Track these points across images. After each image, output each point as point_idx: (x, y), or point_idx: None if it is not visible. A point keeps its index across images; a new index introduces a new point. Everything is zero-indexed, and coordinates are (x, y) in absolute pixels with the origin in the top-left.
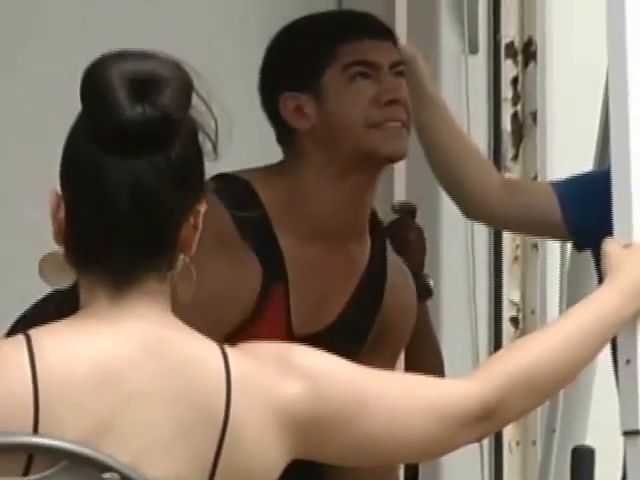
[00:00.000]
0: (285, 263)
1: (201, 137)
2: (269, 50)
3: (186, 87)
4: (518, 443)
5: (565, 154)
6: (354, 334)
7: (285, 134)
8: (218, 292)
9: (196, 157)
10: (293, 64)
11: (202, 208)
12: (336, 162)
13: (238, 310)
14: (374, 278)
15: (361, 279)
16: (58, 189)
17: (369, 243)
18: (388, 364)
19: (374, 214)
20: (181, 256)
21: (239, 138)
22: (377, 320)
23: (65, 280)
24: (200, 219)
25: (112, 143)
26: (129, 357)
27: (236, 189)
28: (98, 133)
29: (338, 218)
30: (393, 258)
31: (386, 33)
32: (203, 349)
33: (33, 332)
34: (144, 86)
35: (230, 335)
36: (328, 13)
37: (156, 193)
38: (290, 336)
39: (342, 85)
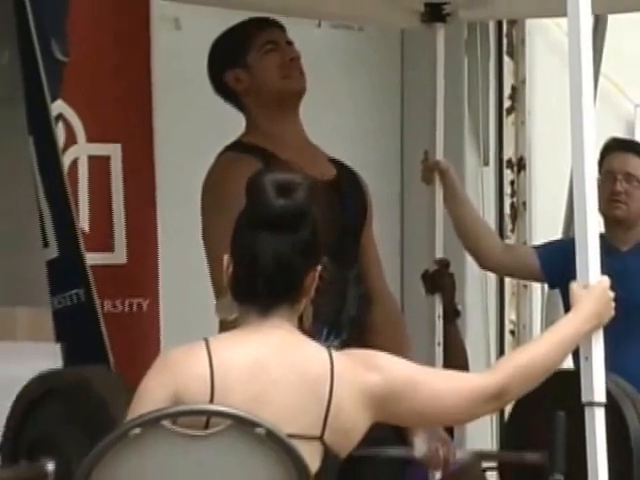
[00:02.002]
0: (272, 154)
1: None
2: (212, 49)
3: (310, 193)
4: None
5: (543, 228)
6: (359, 194)
7: (236, 101)
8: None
9: (315, 239)
10: (230, 53)
11: (319, 268)
12: (266, 103)
13: None
14: (345, 168)
15: (337, 167)
16: (227, 256)
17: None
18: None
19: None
20: (304, 299)
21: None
22: (367, 199)
23: (230, 314)
24: (317, 275)
25: (263, 224)
26: (270, 355)
27: (236, 144)
28: (255, 218)
29: (286, 132)
30: None
31: (280, 26)
32: (316, 351)
33: (210, 339)
34: (285, 188)
35: None
36: (246, 20)
37: (290, 257)
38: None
39: (260, 58)
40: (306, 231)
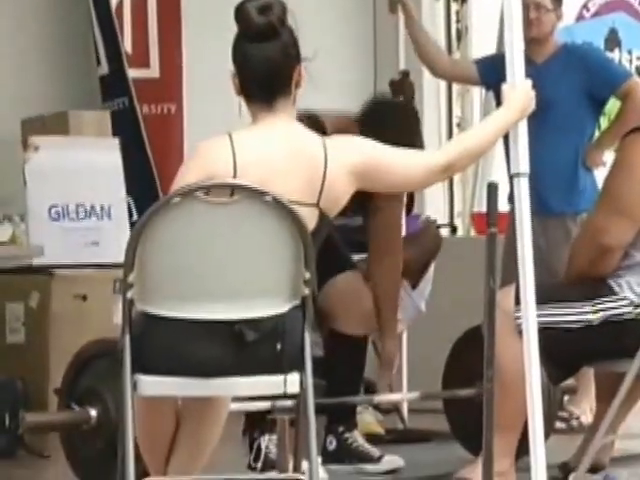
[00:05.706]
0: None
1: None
2: None
3: (284, 8)
4: (460, 180)
5: (480, 48)
6: None
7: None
8: None
9: (294, 42)
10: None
11: (300, 68)
12: None
13: None
14: None
15: None
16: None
17: None
18: None
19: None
20: (294, 90)
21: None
22: None
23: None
24: (300, 72)
25: (252, 37)
26: (277, 142)
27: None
28: (245, 34)
29: None
30: None
31: None
32: (312, 138)
33: (232, 133)
34: (265, 8)
35: None
36: None
37: (276, 58)
38: None
39: None
40: (285, 36)
